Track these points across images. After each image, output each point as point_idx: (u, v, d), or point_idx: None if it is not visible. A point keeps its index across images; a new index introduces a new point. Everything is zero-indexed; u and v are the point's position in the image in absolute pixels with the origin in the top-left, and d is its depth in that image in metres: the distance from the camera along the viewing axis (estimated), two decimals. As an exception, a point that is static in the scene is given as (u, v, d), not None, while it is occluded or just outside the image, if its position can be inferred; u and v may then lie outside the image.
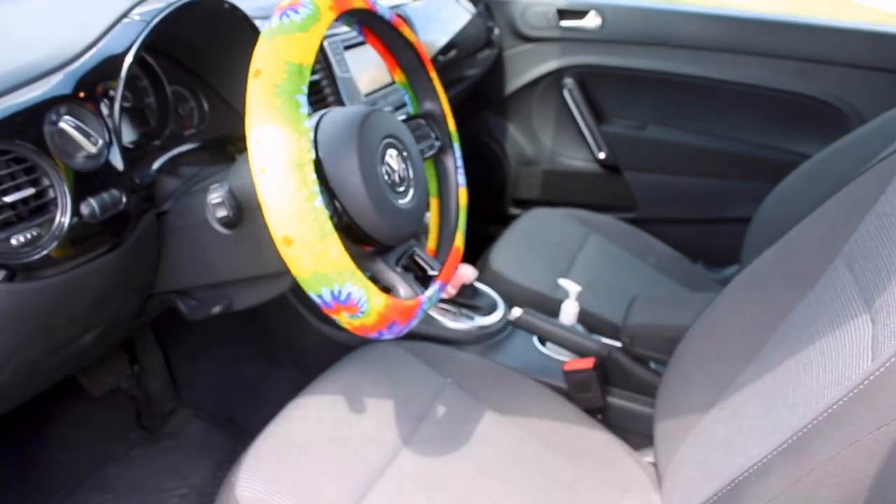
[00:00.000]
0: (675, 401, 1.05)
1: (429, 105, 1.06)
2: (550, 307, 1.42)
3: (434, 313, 1.40)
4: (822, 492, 0.65)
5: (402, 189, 0.88)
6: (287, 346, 1.53)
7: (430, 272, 0.94)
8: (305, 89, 0.74)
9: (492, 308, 1.43)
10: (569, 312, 1.36)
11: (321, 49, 1.33)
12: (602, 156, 2.17)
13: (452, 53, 1.87)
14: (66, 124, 0.75)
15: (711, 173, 2.10)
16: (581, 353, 1.29)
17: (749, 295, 1.03)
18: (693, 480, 0.86)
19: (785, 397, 0.78)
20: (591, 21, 2.08)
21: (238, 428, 1.57)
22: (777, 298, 0.94)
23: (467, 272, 1.40)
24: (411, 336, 1.27)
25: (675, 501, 0.91)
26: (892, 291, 0.70)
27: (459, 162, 1.09)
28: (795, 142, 1.98)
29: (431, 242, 1.07)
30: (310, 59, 0.75)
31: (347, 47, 1.42)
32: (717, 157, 2.08)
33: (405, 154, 0.90)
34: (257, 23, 1.06)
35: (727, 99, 2.03)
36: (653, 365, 1.28)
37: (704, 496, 0.78)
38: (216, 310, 0.99)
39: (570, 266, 1.62)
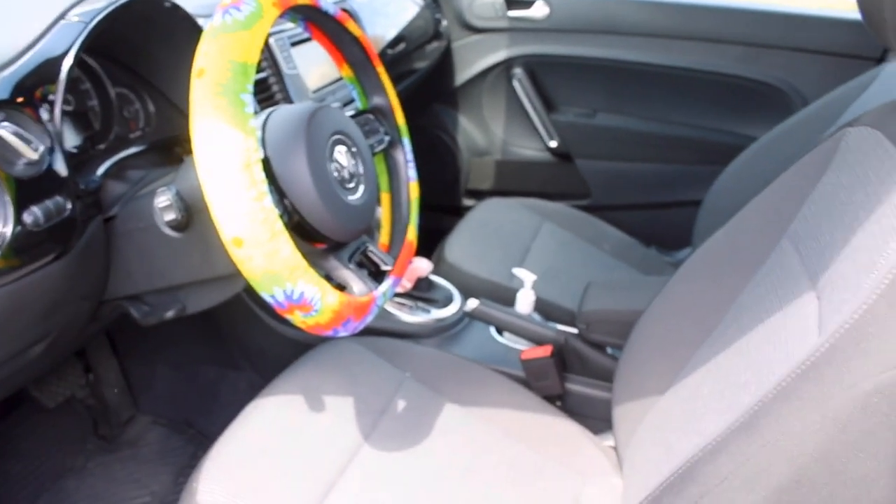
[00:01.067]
0: (632, 384, 1.06)
1: (377, 100, 1.06)
2: (506, 297, 1.43)
3: (390, 308, 1.40)
4: (773, 468, 0.66)
5: (352, 185, 0.88)
6: (243, 348, 1.52)
7: (384, 267, 0.94)
8: (251, 88, 0.73)
9: (448, 300, 1.44)
10: (524, 301, 1.37)
11: (267, 46, 1.32)
12: (553, 144, 2.19)
13: (401, 47, 1.86)
14: (5, 131, 0.73)
15: (662, 158, 2.13)
16: (538, 341, 1.30)
17: (700, 277, 1.05)
18: (651, 462, 0.87)
19: (737, 376, 0.79)
20: (539, 11, 2.08)
21: (198, 433, 1.55)
22: (727, 279, 0.96)
23: (422, 265, 1.40)
24: (368, 332, 1.27)
25: (634, 483, 0.92)
26: (836, 268, 0.72)
27: (409, 156, 1.09)
28: (743, 125, 2.02)
29: (384, 237, 1.07)
30: (254, 57, 0.74)
31: (294, 43, 1.41)
32: (668, 142, 2.11)
33: (354, 150, 0.90)
34: (200, 21, 1.04)
35: (675, 85, 2.06)
36: (609, 350, 1.29)
37: (662, 476, 0.79)
38: (169, 314, 0.98)
39: (524, 255, 1.63)
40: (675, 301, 1.07)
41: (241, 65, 0.72)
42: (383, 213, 1.08)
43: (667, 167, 2.13)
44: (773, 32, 1.90)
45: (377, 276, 0.93)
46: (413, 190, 1.08)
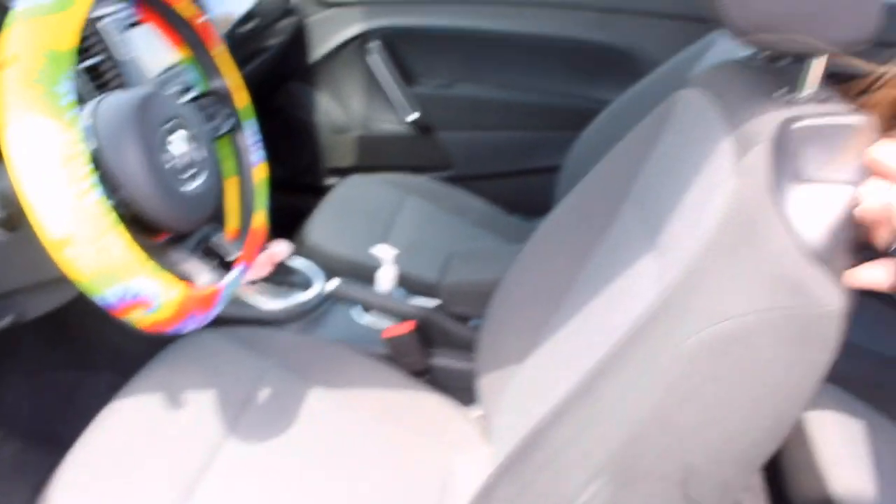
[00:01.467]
0: (494, 353, 1.08)
1: (217, 81, 1.03)
2: (371, 275, 1.41)
3: (250, 295, 1.36)
4: (609, 427, 0.68)
5: (191, 172, 0.84)
6: (100, 348, 1.44)
7: (229, 257, 0.91)
8: (68, 76, 0.68)
9: (309, 283, 1.41)
10: (386, 278, 1.36)
11: (98, 30, 1.24)
12: (413, 117, 2.18)
13: (251, 24, 1.80)
14: None
15: (521, 126, 2.16)
16: (401, 317, 1.29)
17: (553, 241, 1.07)
18: (513, 428, 0.89)
19: (587, 338, 0.82)
20: None
21: (58, 443, 1.47)
22: (577, 242, 0.98)
23: (281, 248, 1.37)
24: (229, 321, 1.23)
25: (499, 451, 0.93)
26: (670, 228, 0.75)
27: (255, 138, 1.06)
28: (597, 90, 2.06)
29: (233, 224, 1.04)
30: (69, 42, 0.69)
31: (132, 25, 1.33)
32: (525, 109, 2.13)
33: (191, 135, 0.86)
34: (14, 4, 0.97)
35: (530, 52, 2.08)
36: (474, 322, 1.30)
37: (518, 440, 0.80)
38: (6, 321, 0.92)
39: (388, 231, 1.62)
40: (531, 267, 1.08)
41: (54, 51, 0.67)
42: (230, 199, 1.05)
43: (526, 134, 2.16)
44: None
45: (225, 265, 0.90)
46: (260, 173, 1.05)
